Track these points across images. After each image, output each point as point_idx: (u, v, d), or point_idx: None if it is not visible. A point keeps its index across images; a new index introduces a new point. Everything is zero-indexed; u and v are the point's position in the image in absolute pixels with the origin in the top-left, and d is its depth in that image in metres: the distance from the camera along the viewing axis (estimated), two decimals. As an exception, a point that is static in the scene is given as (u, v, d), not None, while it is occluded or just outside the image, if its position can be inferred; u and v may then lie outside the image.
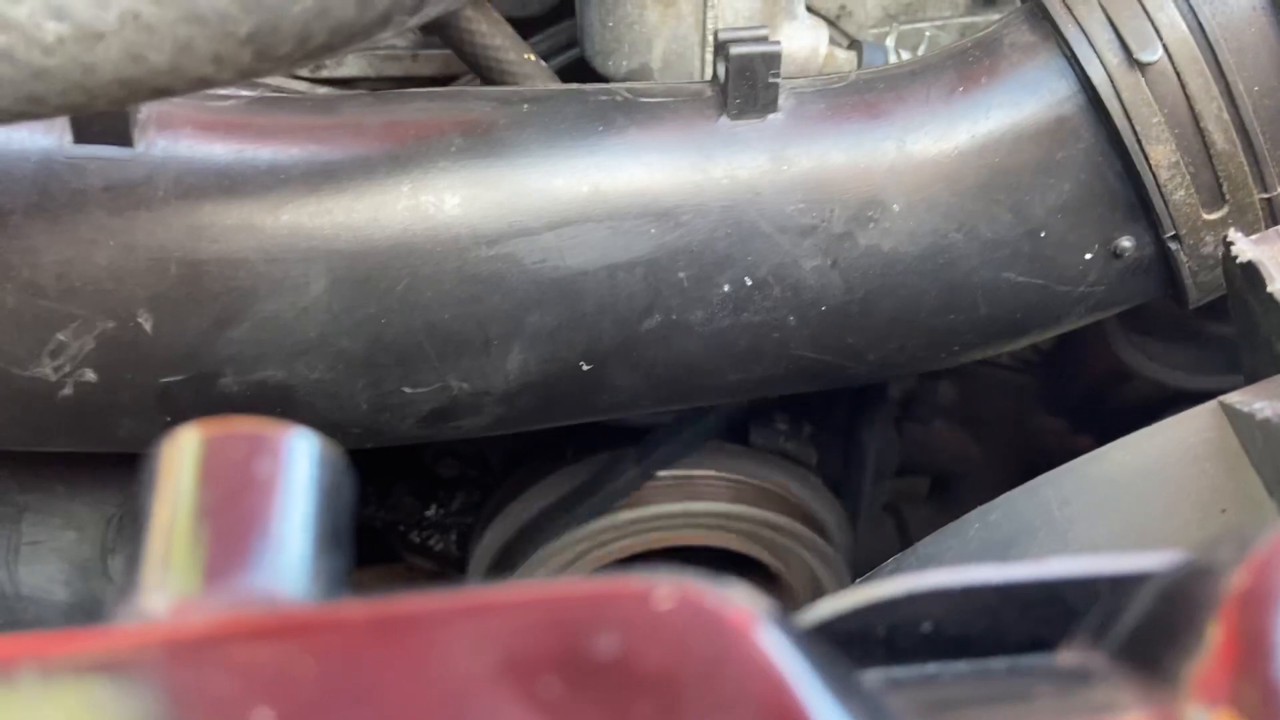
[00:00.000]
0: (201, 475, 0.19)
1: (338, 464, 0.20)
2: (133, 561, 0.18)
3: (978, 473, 1.01)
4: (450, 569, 0.96)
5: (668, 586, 0.17)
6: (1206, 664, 0.17)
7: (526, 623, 0.16)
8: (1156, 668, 0.19)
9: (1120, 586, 0.24)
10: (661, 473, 0.82)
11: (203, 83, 0.36)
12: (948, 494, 1.03)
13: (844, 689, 0.17)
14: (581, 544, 0.83)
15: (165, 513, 0.19)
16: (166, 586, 0.18)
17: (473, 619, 0.17)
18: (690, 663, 0.16)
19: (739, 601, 0.17)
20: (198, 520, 0.18)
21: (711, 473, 0.84)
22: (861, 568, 0.92)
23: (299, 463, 0.19)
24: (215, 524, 0.18)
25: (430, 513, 0.97)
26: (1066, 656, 0.22)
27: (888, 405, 0.90)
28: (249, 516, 0.18)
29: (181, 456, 0.19)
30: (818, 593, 0.89)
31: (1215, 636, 0.18)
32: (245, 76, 0.37)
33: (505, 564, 0.86)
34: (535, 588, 0.17)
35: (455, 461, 0.95)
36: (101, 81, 0.35)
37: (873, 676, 0.22)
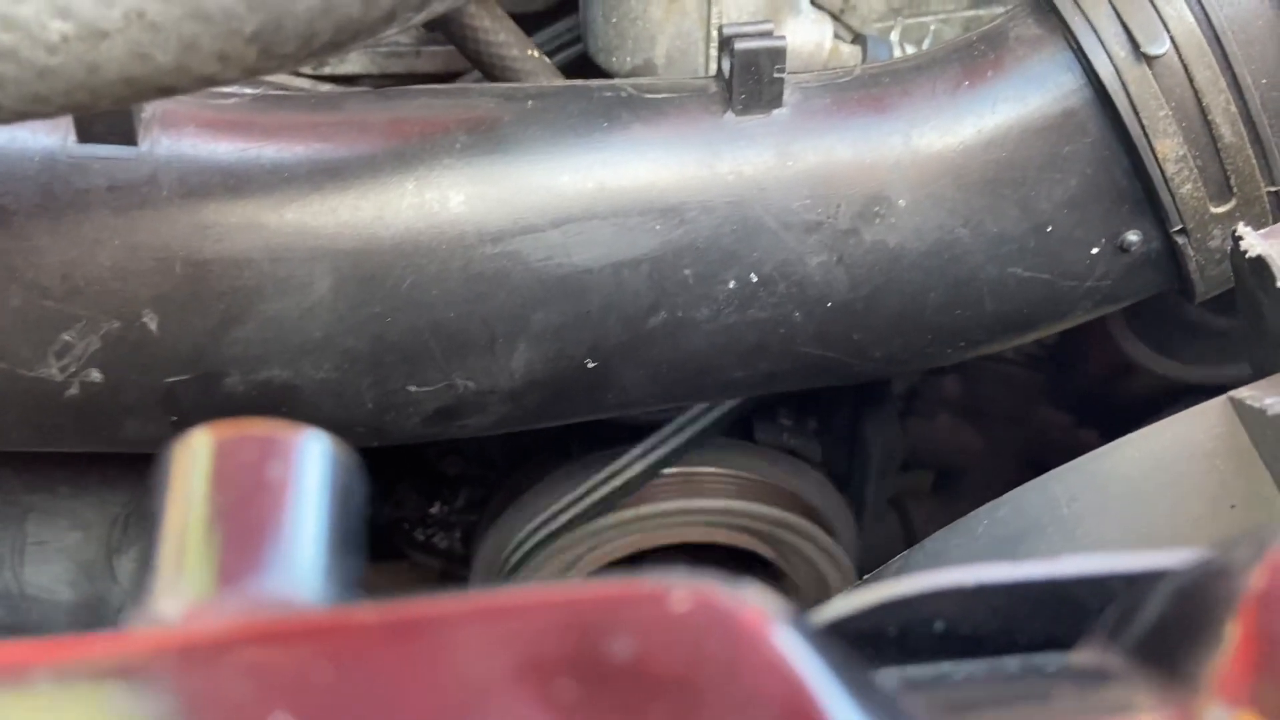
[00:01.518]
0: (213, 478, 0.19)
1: (350, 466, 0.20)
2: (145, 565, 0.18)
3: (982, 467, 1.01)
4: (455, 566, 0.96)
5: (683, 588, 0.17)
6: (1226, 664, 0.17)
7: (541, 625, 0.16)
8: (1174, 667, 0.19)
9: (1135, 585, 0.24)
10: (665, 470, 0.82)
11: (208, 81, 0.36)
12: (952, 488, 1.03)
13: (860, 689, 0.17)
14: (586, 541, 0.83)
15: (177, 517, 0.19)
16: (180, 591, 0.18)
17: (487, 622, 0.17)
18: (706, 664, 0.16)
19: (754, 602, 0.17)
20: (210, 524, 0.18)
21: (716, 469, 0.84)
22: (866, 563, 0.92)
23: (311, 465, 0.19)
24: (228, 528, 0.18)
25: (434, 510, 0.97)
26: (1082, 656, 0.22)
27: (892, 400, 0.90)
28: (261, 520, 0.18)
29: (193, 459, 0.19)
30: (823, 589, 0.89)
31: (1234, 636, 0.18)
32: (250, 75, 0.37)
33: (510, 561, 0.86)
34: (549, 590, 0.17)
35: (459, 459, 0.95)
36: (106, 80, 0.35)
37: (888, 676, 0.22)
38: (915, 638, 0.26)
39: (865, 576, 0.50)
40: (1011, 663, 0.23)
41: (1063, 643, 0.26)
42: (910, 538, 1.02)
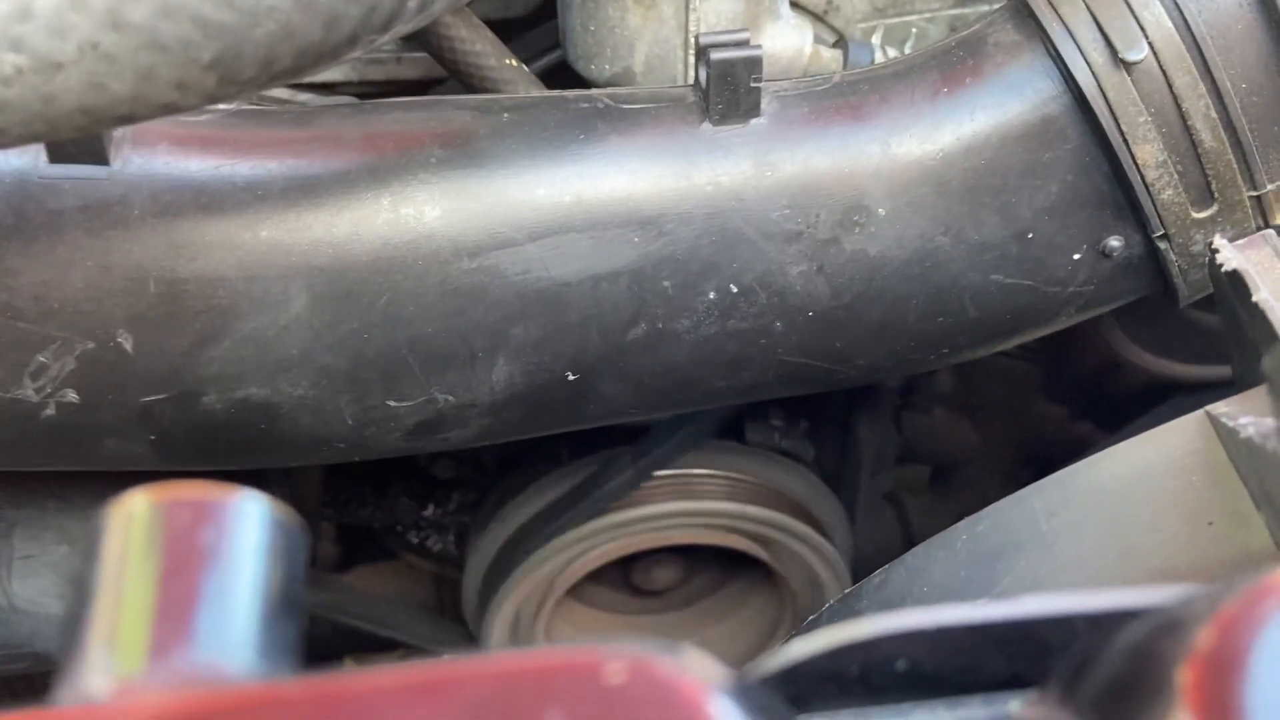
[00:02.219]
0: (145, 546, 0.18)
1: (289, 526, 0.20)
2: (75, 636, 0.18)
3: (978, 460, 1.01)
4: (448, 568, 0.96)
5: (618, 658, 0.17)
6: (1172, 728, 0.17)
7: (472, 700, 0.16)
8: (1123, 728, 0.18)
9: (1098, 624, 0.24)
10: (658, 472, 0.82)
11: (167, 109, 0.36)
12: (948, 482, 1.03)
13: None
14: (579, 544, 0.83)
15: (109, 587, 0.18)
16: (110, 666, 0.17)
17: (417, 697, 0.16)
18: (641, 739, 0.16)
19: (691, 671, 0.17)
20: (141, 594, 0.18)
21: (708, 471, 0.84)
22: (862, 559, 0.92)
23: (247, 529, 0.19)
24: (159, 598, 0.18)
25: (428, 513, 0.97)
26: (1032, 711, 0.22)
27: (883, 399, 0.90)
28: (193, 589, 0.18)
29: (126, 526, 0.19)
30: (816, 589, 0.89)
31: (1180, 700, 0.17)
32: (211, 101, 0.37)
33: (502, 564, 0.86)
34: (482, 662, 0.17)
35: (452, 462, 0.95)
36: (63, 111, 0.34)
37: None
38: (878, 677, 0.26)
39: (831, 603, 0.50)
40: (958, 713, 0.22)
41: (1028, 680, 0.26)
42: (907, 533, 1.02)
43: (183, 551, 0.18)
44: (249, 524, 0.19)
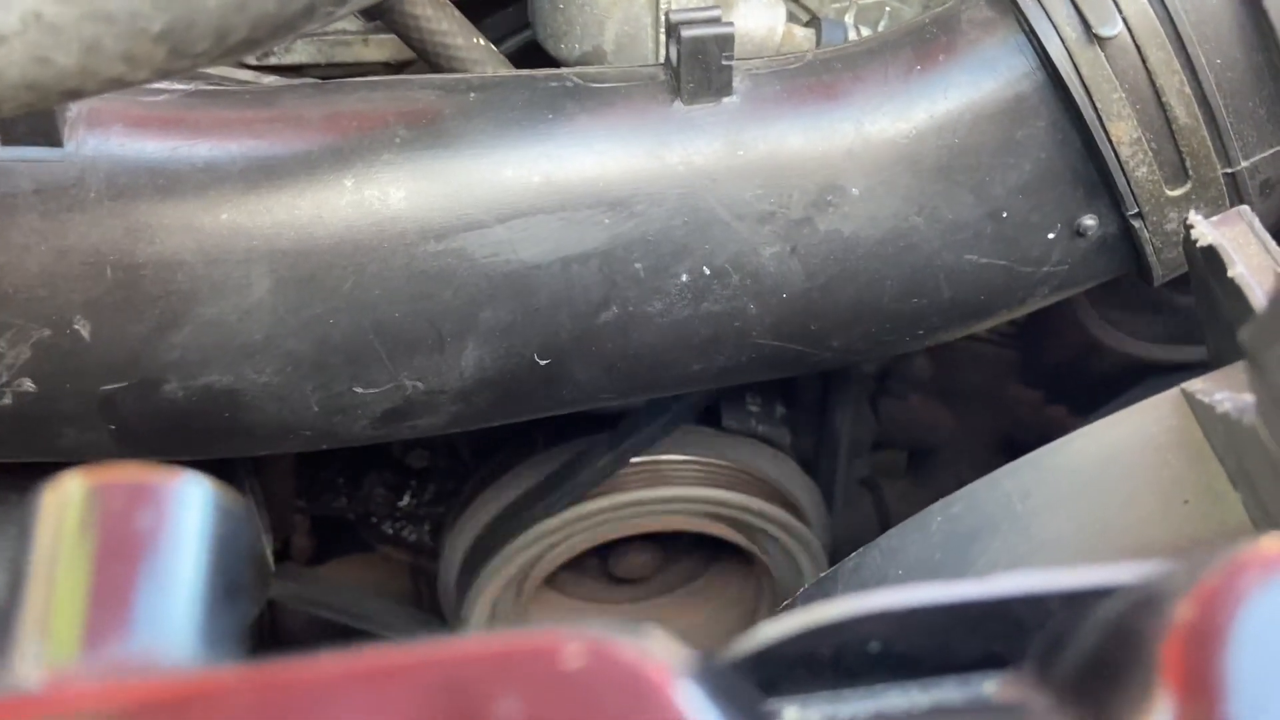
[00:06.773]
0: (80, 530, 0.18)
1: (234, 511, 0.19)
2: (7, 624, 0.17)
3: (955, 445, 1.00)
4: (424, 559, 0.95)
5: (576, 642, 0.16)
6: (1152, 708, 0.17)
7: (422, 687, 0.15)
8: (1102, 708, 0.18)
9: (1072, 602, 0.23)
10: (634, 459, 0.81)
11: (115, 83, 0.35)
12: (925, 467, 1.03)
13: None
14: (555, 533, 0.82)
15: (41, 571, 0.17)
16: (42, 655, 0.16)
17: (364, 684, 0.15)
18: (600, 725, 0.15)
19: (654, 655, 0.16)
20: (75, 580, 0.17)
21: (684, 457, 0.83)
22: (839, 545, 0.92)
23: (188, 513, 0.18)
24: (93, 583, 0.17)
25: (403, 503, 0.96)
26: (1006, 690, 0.21)
27: (859, 384, 0.90)
28: (130, 574, 0.17)
29: (59, 509, 0.18)
30: (795, 574, 0.89)
31: (1160, 675, 0.17)
32: (162, 76, 0.36)
33: (479, 554, 0.85)
34: (432, 647, 0.16)
35: (426, 452, 0.94)
36: (7, 84, 0.33)
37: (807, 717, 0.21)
38: (850, 659, 0.25)
39: (805, 587, 0.49)
40: (933, 694, 0.22)
41: (1003, 660, 0.25)
42: (884, 518, 1.02)
43: (119, 535, 0.18)
44: (189, 507, 0.18)
